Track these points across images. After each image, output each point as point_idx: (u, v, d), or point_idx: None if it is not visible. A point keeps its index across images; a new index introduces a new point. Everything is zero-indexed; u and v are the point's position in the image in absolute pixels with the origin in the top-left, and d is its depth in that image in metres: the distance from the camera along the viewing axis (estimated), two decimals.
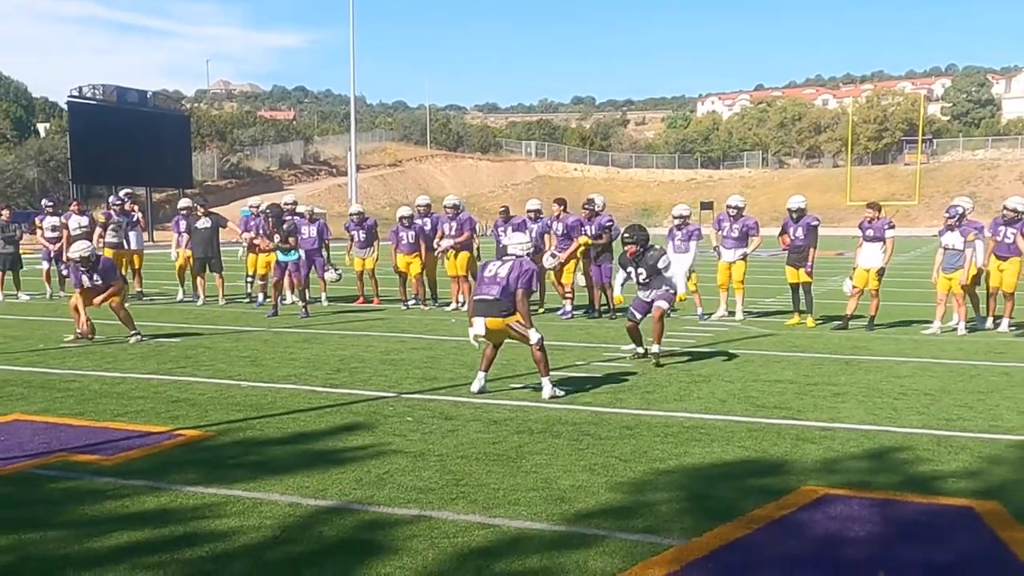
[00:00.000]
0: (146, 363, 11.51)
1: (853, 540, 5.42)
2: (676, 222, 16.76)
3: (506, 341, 9.86)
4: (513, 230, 16.59)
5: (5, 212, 21.14)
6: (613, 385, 10.19)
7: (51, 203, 21.93)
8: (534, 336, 9.46)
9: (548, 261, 15.83)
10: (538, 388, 9.61)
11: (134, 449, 7.36)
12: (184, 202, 20.84)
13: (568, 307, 17.02)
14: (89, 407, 8.91)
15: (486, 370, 9.81)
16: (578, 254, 17.16)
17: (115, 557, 5.04)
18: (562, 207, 17.50)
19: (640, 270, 11.66)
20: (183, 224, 19.65)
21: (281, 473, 6.65)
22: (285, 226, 16.90)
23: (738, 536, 5.43)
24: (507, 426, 8.17)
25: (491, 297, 9.55)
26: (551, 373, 9.70)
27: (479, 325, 9.58)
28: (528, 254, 10.09)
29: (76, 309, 13.12)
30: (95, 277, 13.16)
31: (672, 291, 11.78)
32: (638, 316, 11.85)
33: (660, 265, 11.54)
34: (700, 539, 5.35)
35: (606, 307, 16.82)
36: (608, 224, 16.87)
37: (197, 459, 7.09)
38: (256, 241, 18.75)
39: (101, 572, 4.83)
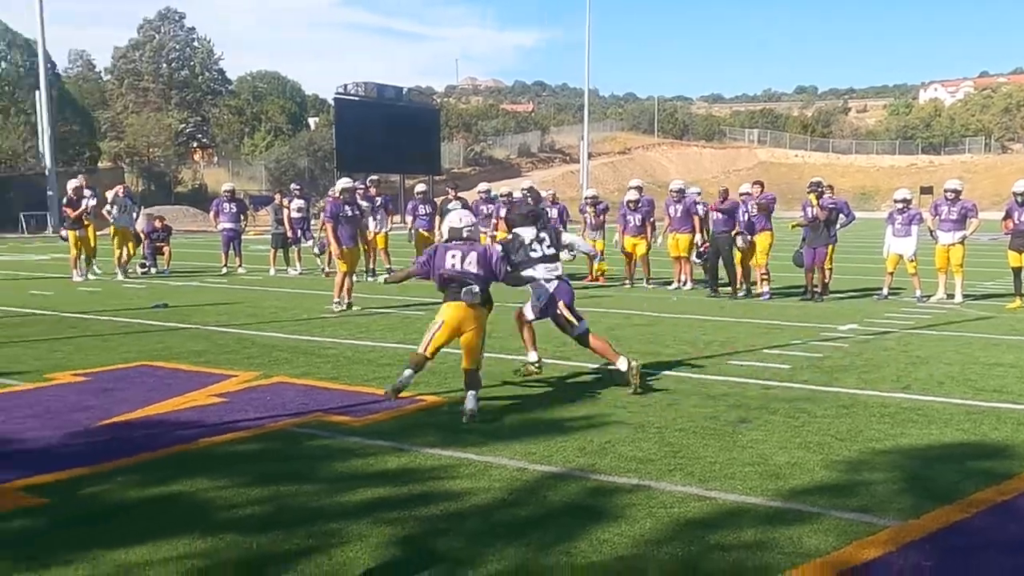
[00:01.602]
0: (394, 333, 11.79)
1: None
2: (898, 206, 15.91)
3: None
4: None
5: (278, 196, 22.21)
6: (830, 364, 9.72)
7: (298, 187, 22.87)
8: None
9: (740, 241, 15.62)
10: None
11: (380, 412, 7.51)
12: (420, 187, 21.33)
13: (766, 288, 16.38)
14: (343, 372, 9.18)
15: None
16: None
17: (360, 511, 5.13)
18: (760, 187, 16.98)
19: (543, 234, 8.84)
20: (421, 208, 20.06)
21: (509, 439, 6.63)
22: (538, 207, 17.05)
23: (957, 519, 5.03)
24: (724, 401, 7.90)
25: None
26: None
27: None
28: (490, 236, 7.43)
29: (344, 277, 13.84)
30: (352, 209, 14.51)
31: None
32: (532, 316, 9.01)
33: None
34: (918, 520, 4.98)
35: (817, 288, 16.06)
36: (832, 206, 16.12)
37: (435, 423, 7.17)
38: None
39: (347, 524, 4.91)
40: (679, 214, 17.66)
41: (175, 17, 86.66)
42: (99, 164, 64.26)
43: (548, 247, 8.90)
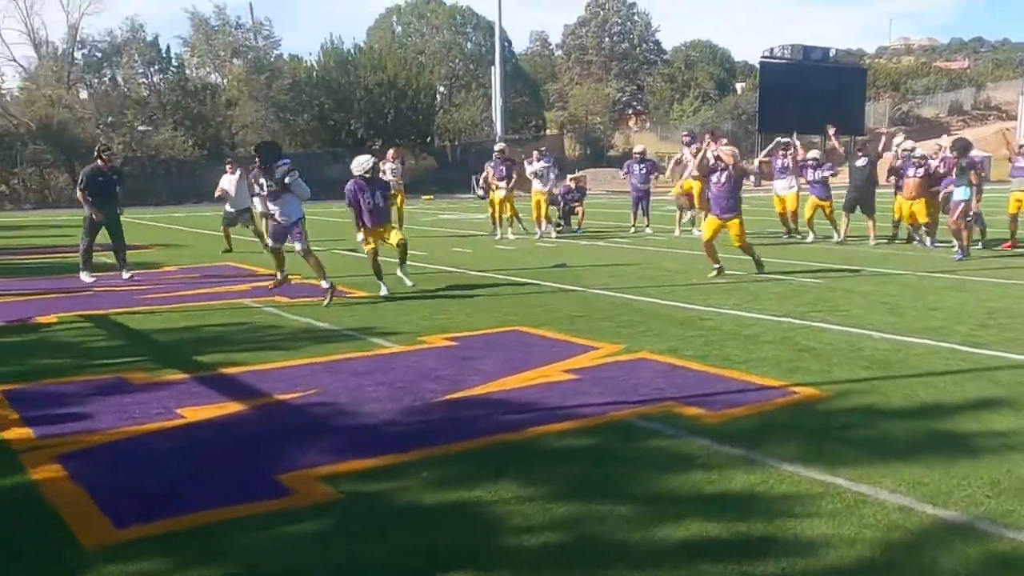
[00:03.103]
0: (783, 304, 10.00)
1: None
2: None
3: None
4: None
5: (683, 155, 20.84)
6: None
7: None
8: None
9: None
10: None
11: (742, 405, 5.93)
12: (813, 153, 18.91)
13: None
14: (714, 350, 7.63)
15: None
16: None
17: (674, 557, 3.69)
18: None
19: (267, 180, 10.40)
20: (811, 174, 17.68)
21: (896, 459, 4.80)
22: (964, 162, 14.26)
23: None
24: None
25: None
26: None
27: None
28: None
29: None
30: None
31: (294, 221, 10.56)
32: (272, 243, 11.01)
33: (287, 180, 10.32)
34: None
35: None
36: None
37: (804, 425, 5.48)
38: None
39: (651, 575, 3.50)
40: None
41: None
42: (545, 132, 66.44)
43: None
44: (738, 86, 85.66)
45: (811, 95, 51.77)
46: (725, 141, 14.01)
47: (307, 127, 49.98)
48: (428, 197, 40.28)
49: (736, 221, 11.99)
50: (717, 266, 12.15)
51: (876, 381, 6.51)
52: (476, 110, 57.66)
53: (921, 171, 15.49)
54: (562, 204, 20.89)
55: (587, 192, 22.65)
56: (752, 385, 6.45)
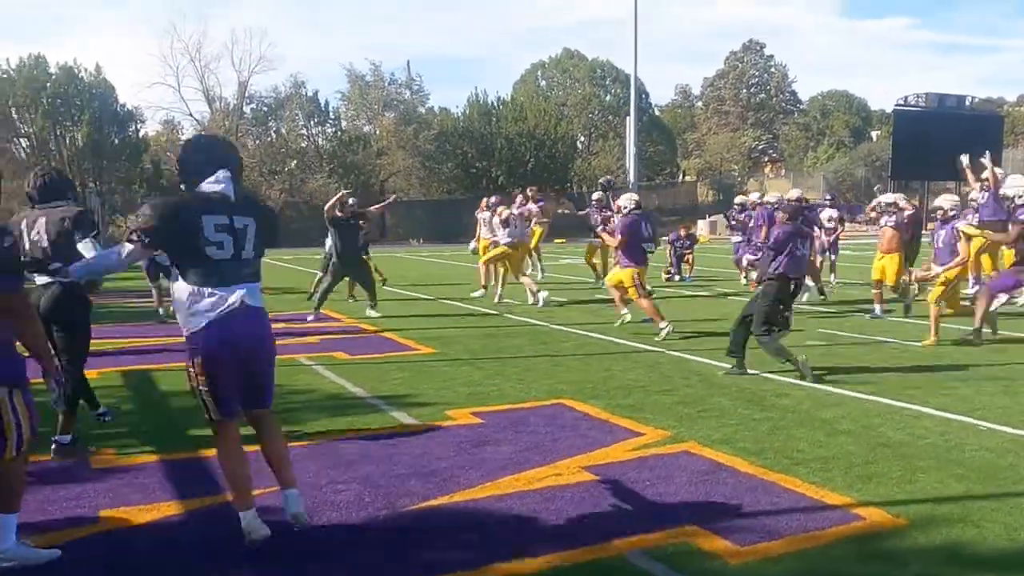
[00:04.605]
0: (878, 383, 8.07)
1: None
2: None
3: None
4: None
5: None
6: None
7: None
8: None
9: None
10: None
11: (782, 537, 4.25)
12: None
13: None
14: (776, 441, 5.91)
15: None
16: None
17: None
18: None
19: None
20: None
21: None
22: None
23: None
24: None
25: None
26: None
27: None
28: None
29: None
30: None
31: None
32: None
33: None
34: None
35: None
36: None
37: (863, 575, 3.79)
38: None
39: None
40: None
41: (756, 48, 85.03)
42: (683, 179, 64.51)
43: None
44: (873, 134, 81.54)
45: (946, 142, 47.98)
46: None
47: (451, 174, 49.59)
48: (561, 241, 39.21)
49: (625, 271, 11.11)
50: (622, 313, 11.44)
51: (971, 501, 4.70)
52: (612, 158, 56.32)
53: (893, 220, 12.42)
54: (671, 251, 19.18)
55: (696, 239, 20.78)
56: (806, 502, 4.74)
